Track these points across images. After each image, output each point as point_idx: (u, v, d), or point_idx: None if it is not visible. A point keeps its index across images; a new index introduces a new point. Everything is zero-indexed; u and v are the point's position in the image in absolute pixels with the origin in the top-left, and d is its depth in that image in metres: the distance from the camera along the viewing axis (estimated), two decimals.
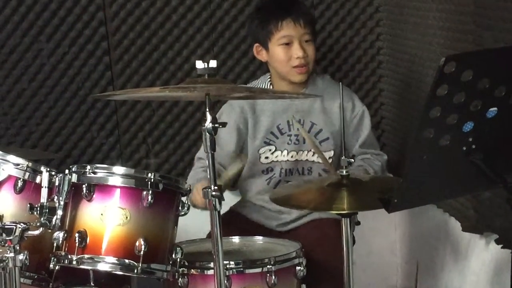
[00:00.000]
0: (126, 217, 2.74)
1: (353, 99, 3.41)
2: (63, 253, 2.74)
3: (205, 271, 2.86)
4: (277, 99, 3.36)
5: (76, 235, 2.72)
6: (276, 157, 3.37)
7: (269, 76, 3.43)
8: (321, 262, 3.12)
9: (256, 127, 3.37)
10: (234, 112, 3.37)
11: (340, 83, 2.95)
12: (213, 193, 2.51)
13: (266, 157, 3.37)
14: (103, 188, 2.76)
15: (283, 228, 3.39)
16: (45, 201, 2.71)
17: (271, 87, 3.40)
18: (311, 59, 3.32)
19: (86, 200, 2.76)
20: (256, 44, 3.38)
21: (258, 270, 2.88)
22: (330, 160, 3.33)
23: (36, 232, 2.63)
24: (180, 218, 2.86)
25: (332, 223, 3.26)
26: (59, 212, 2.72)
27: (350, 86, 3.84)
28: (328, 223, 3.29)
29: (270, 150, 3.37)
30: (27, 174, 2.82)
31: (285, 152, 3.36)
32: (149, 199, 2.75)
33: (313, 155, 3.36)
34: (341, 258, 2.78)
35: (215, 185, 2.52)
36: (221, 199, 2.52)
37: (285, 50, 3.30)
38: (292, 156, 3.36)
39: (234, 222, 3.34)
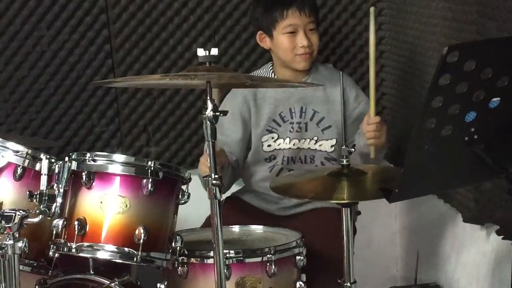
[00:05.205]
0: (126, 205, 2.74)
1: (357, 87, 3.43)
2: (62, 241, 2.74)
3: (205, 260, 2.86)
4: (279, 88, 3.35)
5: (76, 222, 2.71)
6: (279, 145, 3.36)
7: (271, 65, 3.42)
8: (320, 251, 3.12)
9: (258, 115, 3.36)
10: (236, 100, 3.36)
11: (341, 72, 2.95)
12: (214, 181, 2.50)
13: (269, 145, 3.37)
14: (103, 176, 2.76)
15: (283, 213, 3.39)
16: (45, 189, 2.70)
17: (273, 76, 3.39)
18: (316, 47, 3.32)
19: (86, 188, 2.75)
20: (260, 32, 3.37)
21: (258, 259, 2.87)
22: (332, 149, 3.34)
23: (36, 220, 2.63)
24: (180, 206, 2.86)
25: (333, 212, 3.25)
26: (59, 200, 2.71)
27: (351, 76, 3.82)
28: (330, 213, 3.28)
29: (272, 138, 3.36)
30: (27, 161, 2.82)
31: (287, 140, 3.36)
32: (149, 187, 2.74)
33: (315, 143, 3.35)
34: (341, 248, 2.77)
35: (215, 173, 2.51)
36: (221, 187, 2.51)
37: (290, 39, 3.28)
38: (294, 144, 3.36)
39: (234, 207, 3.34)
